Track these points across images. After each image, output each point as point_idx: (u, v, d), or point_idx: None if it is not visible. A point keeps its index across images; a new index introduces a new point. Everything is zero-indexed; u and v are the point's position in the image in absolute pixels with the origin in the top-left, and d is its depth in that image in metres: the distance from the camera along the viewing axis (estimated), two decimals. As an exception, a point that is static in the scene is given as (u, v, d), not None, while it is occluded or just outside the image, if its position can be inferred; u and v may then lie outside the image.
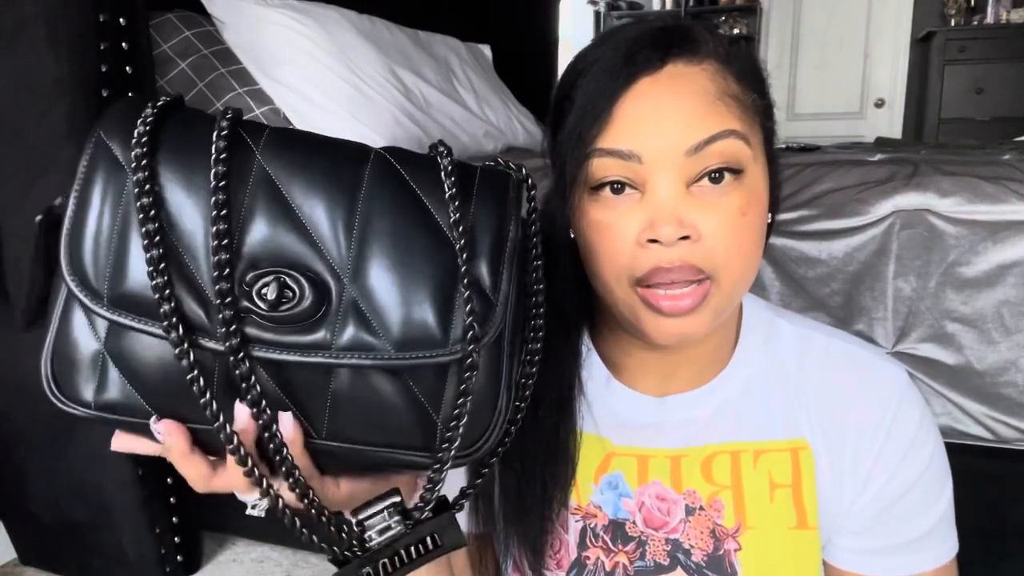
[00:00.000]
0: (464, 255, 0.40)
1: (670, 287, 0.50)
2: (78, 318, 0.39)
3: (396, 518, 0.43)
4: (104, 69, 1.11)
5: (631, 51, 0.52)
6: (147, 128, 0.39)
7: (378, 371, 0.40)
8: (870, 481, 0.57)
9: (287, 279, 0.38)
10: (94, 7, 1.09)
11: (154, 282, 0.36)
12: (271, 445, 0.38)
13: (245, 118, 0.43)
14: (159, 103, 0.41)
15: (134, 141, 0.38)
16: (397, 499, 0.43)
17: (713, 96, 0.50)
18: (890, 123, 4.23)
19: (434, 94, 1.68)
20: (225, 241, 0.38)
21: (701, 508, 0.59)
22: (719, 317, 0.53)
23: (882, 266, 1.03)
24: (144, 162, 0.38)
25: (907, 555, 0.58)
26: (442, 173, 0.42)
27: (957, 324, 1.01)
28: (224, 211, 0.38)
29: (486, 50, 2.22)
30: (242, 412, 0.38)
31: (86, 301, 0.37)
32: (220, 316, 0.37)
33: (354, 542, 0.42)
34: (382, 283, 0.39)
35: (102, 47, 1.11)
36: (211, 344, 0.37)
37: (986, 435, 1.02)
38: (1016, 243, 0.97)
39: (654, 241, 0.49)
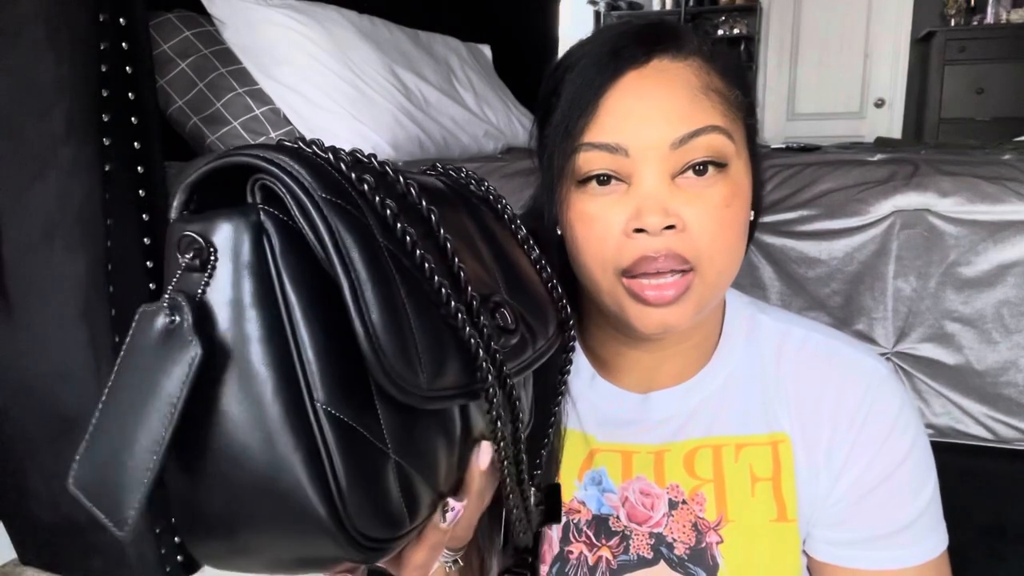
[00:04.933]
0: (535, 249, 0.48)
1: (655, 277, 0.51)
2: (342, 448, 0.31)
3: (532, 490, 0.49)
4: (104, 69, 1.11)
5: (617, 46, 0.53)
6: (374, 182, 0.35)
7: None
8: (844, 472, 0.58)
9: (502, 307, 0.41)
10: (94, 7, 1.09)
11: (468, 332, 0.36)
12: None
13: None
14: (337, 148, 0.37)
15: (376, 200, 0.34)
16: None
17: (697, 91, 0.52)
18: (890, 123, 4.23)
19: (434, 94, 1.68)
20: (467, 283, 0.38)
21: (684, 502, 0.60)
22: (703, 308, 0.54)
23: (882, 266, 1.03)
24: (403, 221, 0.35)
25: (889, 549, 0.58)
26: (482, 189, 0.48)
27: (957, 324, 1.01)
28: (459, 255, 0.38)
29: (486, 50, 2.22)
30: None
31: (407, 399, 0.33)
32: (488, 352, 0.37)
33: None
34: (515, 290, 0.44)
35: (102, 47, 1.11)
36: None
37: (986, 435, 1.02)
38: (1016, 243, 0.97)
39: (640, 231, 0.51)
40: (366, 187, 0.34)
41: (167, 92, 1.37)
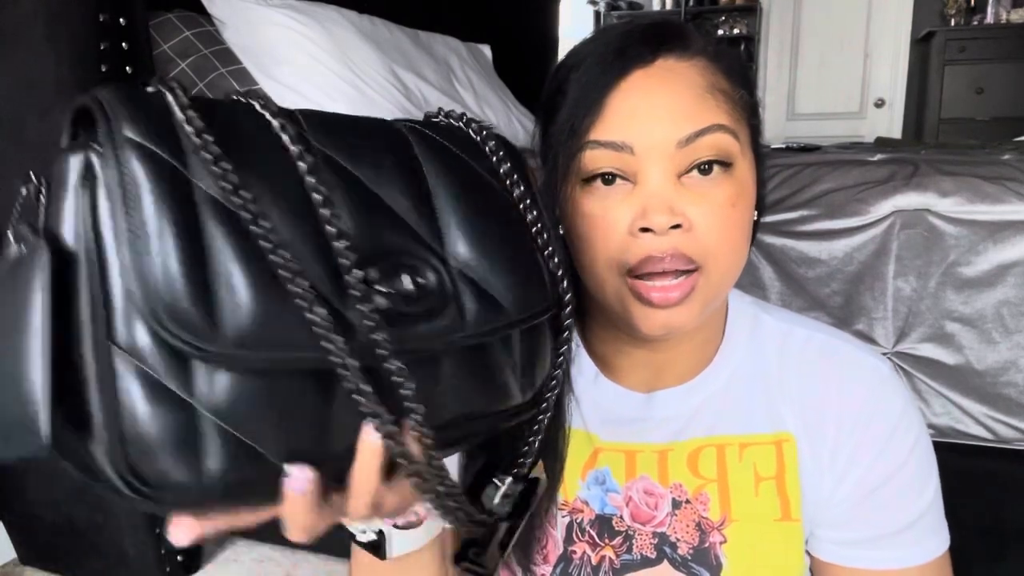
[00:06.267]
0: (534, 211, 0.43)
1: (660, 278, 0.51)
2: (136, 389, 0.30)
3: (508, 480, 0.46)
4: (104, 69, 1.11)
5: (623, 45, 0.53)
6: (202, 124, 0.32)
7: (496, 338, 0.40)
8: (848, 472, 0.58)
9: (409, 269, 0.36)
10: (94, 7, 1.09)
11: (298, 291, 0.31)
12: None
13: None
14: (179, 89, 0.34)
15: (198, 142, 0.32)
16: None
17: (703, 90, 0.52)
18: (890, 123, 4.23)
19: (434, 94, 1.68)
20: (344, 242, 0.34)
21: (687, 501, 0.60)
22: (707, 309, 0.54)
23: (882, 266, 1.03)
24: (225, 164, 0.32)
25: (891, 548, 0.58)
26: (478, 139, 0.44)
27: (957, 324, 1.01)
28: (332, 208, 0.34)
29: (486, 50, 2.22)
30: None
31: (194, 352, 0.30)
32: (367, 318, 0.33)
33: (484, 515, 0.42)
34: (479, 254, 0.40)
35: (102, 47, 1.11)
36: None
37: (986, 435, 1.02)
38: (1016, 243, 0.97)
39: (646, 230, 0.50)
40: (192, 130, 0.32)
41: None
